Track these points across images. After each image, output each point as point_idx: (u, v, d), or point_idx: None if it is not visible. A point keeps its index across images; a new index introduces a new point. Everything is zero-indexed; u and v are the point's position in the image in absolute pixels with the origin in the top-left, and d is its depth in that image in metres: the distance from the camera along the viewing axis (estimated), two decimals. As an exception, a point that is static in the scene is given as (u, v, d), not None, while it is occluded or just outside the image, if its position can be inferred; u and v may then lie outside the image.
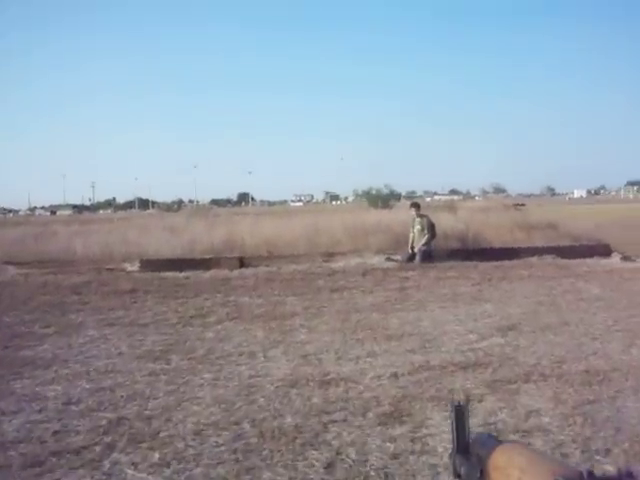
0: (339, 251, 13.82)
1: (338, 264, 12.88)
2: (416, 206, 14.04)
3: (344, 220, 18.83)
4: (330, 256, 13.40)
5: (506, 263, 12.46)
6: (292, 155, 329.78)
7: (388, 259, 13.25)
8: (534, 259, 13.01)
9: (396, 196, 47.58)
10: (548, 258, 13.12)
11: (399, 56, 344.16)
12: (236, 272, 12.60)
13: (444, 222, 16.33)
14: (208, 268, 12.86)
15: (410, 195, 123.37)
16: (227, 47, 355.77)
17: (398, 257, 13.31)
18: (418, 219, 13.54)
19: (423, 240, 13.33)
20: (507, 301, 8.71)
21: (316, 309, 8.49)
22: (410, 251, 13.27)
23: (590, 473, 0.77)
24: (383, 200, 38.14)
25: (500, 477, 0.92)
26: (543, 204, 63.85)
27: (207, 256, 13.78)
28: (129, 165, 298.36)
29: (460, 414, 1.03)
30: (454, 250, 13.91)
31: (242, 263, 13.13)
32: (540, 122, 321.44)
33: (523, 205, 45.65)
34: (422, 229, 13.46)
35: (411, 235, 13.52)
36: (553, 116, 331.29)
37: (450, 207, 28.13)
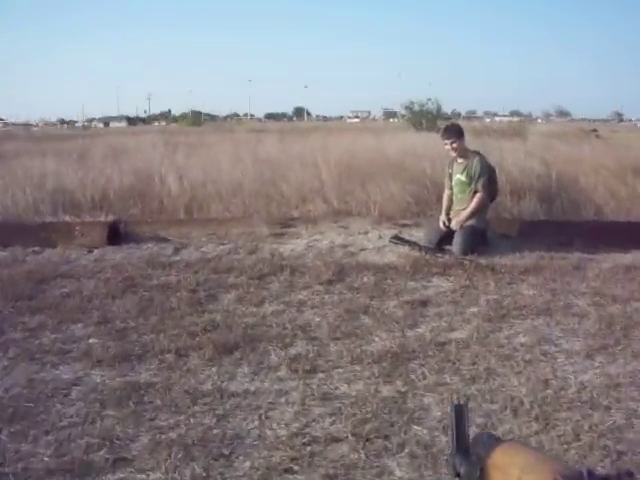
0: (313, 212, 7.49)
1: (296, 245, 6.61)
2: (454, 134, 6.60)
3: (357, 146, 12.41)
4: (289, 222, 7.09)
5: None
6: (350, 69, 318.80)
7: (396, 239, 6.47)
8: None
9: (448, 116, 39.29)
10: None
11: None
12: (91, 255, 6.50)
13: (511, 159, 9.75)
14: (53, 241, 6.76)
15: (470, 115, 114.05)
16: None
17: (417, 237, 6.59)
18: (460, 162, 6.54)
19: (471, 206, 6.39)
20: None
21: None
22: (443, 226, 6.43)
23: (590, 473, 0.79)
24: (429, 119, 30.10)
25: (500, 477, 0.92)
26: (617, 130, 55.78)
27: (56, 219, 7.58)
28: (184, 77, 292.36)
29: (460, 414, 1.03)
30: (533, 223, 6.96)
31: (115, 233, 6.91)
32: (604, 42, 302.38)
33: (596, 131, 39.16)
34: (468, 182, 6.44)
35: (446, 195, 6.71)
36: (617, 36, 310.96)
37: (517, 131, 21.03)
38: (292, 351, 4.04)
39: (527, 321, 4.46)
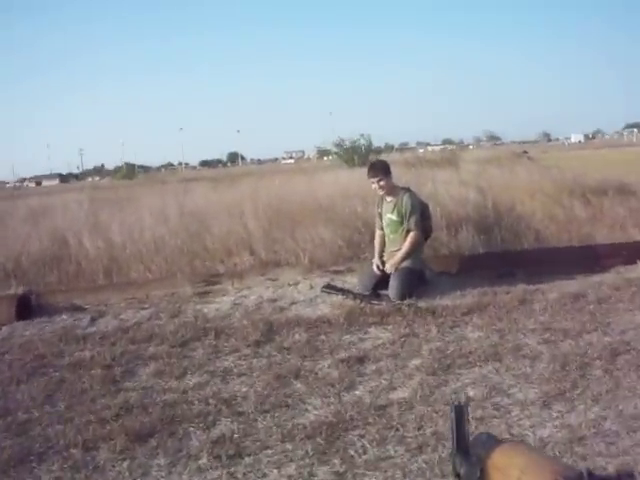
0: (239, 265, 6.99)
1: (222, 303, 6.05)
2: (380, 171, 6.10)
3: (287, 189, 12.02)
4: (214, 279, 6.59)
5: (596, 285, 5.73)
6: (281, 112, 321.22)
7: (328, 288, 5.98)
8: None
9: (380, 149, 39.13)
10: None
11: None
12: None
13: (445, 190, 9.51)
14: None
15: (403, 147, 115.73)
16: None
17: (351, 284, 6.13)
18: (390, 200, 6.10)
19: (405, 247, 5.94)
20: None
21: None
22: (377, 270, 5.99)
23: (590, 473, 0.88)
24: (360, 155, 29.80)
25: (500, 477, 0.96)
26: (546, 150, 57.17)
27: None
28: (116, 130, 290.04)
29: (460, 414, 1.10)
30: (473, 257, 6.65)
31: (25, 307, 6.27)
32: (531, 66, 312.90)
33: (526, 153, 40.02)
34: (400, 221, 6.00)
35: (378, 236, 6.27)
36: (544, 59, 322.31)
37: (450, 160, 21.00)
38: (215, 432, 3.55)
39: (475, 370, 4.07)
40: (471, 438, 1.12)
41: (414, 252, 5.96)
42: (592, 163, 22.14)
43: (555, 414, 3.39)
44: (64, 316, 6.15)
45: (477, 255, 6.64)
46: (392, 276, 5.78)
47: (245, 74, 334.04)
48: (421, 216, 6.03)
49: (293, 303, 5.84)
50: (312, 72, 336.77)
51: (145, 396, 4.14)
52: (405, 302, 5.46)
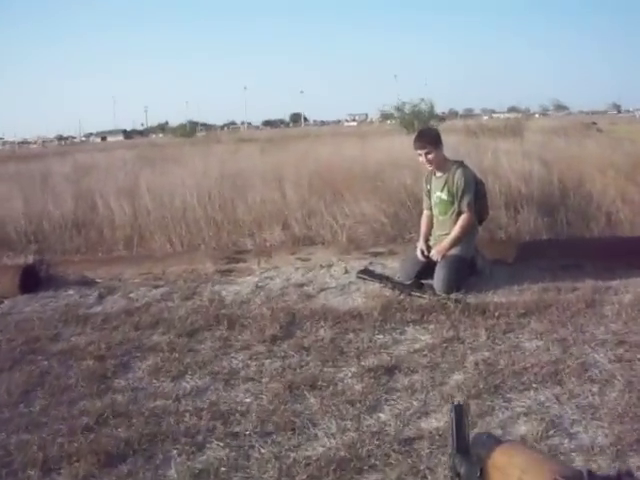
0: (269, 241, 6.26)
1: (243, 285, 5.30)
2: (428, 141, 5.16)
3: (338, 155, 11.22)
4: (239, 256, 5.85)
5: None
6: (346, 72, 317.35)
7: (365, 274, 5.21)
8: None
9: (443, 115, 37.51)
10: None
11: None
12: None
13: (507, 162, 8.56)
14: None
15: (468, 113, 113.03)
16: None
17: (392, 270, 5.30)
18: (439, 176, 5.19)
19: (455, 231, 5.05)
20: None
21: None
22: (422, 256, 5.14)
23: (590, 473, 0.79)
24: (421, 120, 28.25)
25: (500, 477, 0.91)
26: (615, 122, 54.43)
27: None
28: (181, 88, 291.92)
29: (460, 414, 1.01)
30: (534, 243, 5.70)
31: (31, 278, 5.68)
32: (601, 34, 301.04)
33: (595, 124, 37.93)
34: (450, 201, 5.09)
35: (425, 216, 5.38)
36: (614, 26, 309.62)
37: (514, 129, 19.68)
38: (201, 459, 2.90)
39: (529, 394, 3.28)
40: (471, 438, 1.00)
41: (465, 237, 5.06)
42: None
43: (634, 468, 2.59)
44: (71, 291, 5.57)
45: (539, 242, 5.75)
46: (438, 264, 4.93)
47: (311, 34, 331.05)
48: (475, 196, 5.10)
49: (323, 290, 5.09)
50: (377, 33, 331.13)
51: (132, 400, 3.51)
52: (451, 296, 4.63)
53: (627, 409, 3.05)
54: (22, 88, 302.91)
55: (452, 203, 5.08)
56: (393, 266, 5.41)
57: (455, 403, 1.03)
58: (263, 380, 3.64)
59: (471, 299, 4.66)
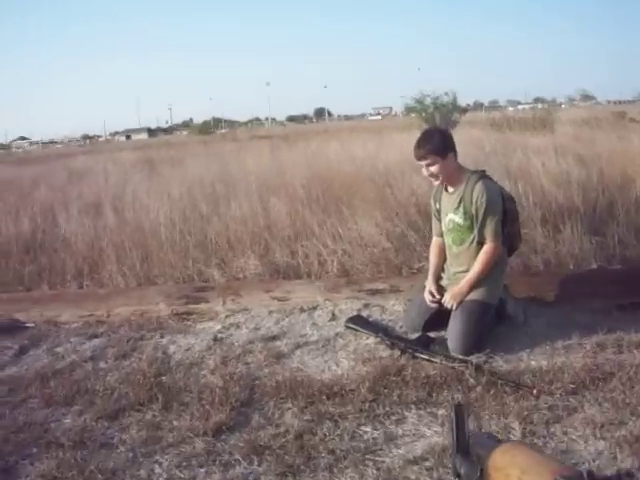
0: (243, 271, 4.99)
1: (199, 337, 4.02)
2: (432, 148, 3.67)
3: (349, 154, 10.00)
4: (200, 295, 4.58)
5: None
6: (369, 66, 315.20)
7: (355, 324, 3.88)
8: None
9: (466, 108, 35.66)
10: None
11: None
12: None
13: (539, 163, 7.24)
14: None
15: (493, 104, 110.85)
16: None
17: (394, 315, 4.01)
18: (452, 191, 3.77)
19: (475, 271, 3.61)
20: None
21: None
22: (431, 299, 3.75)
23: (590, 473, 0.80)
24: (444, 114, 26.49)
25: (500, 477, 0.91)
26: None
27: None
28: (205, 85, 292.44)
29: (460, 415, 1.05)
30: (582, 275, 4.26)
31: None
32: (629, 19, 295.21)
33: (625, 114, 36.00)
34: (468, 226, 3.66)
35: (435, 244, 3.96)
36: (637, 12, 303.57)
37: (543, 121, 18.08)
38: None
39: None
40: (471, 438, 1.00)
41: (490, 276, 3.69)
42: None
43: None
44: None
45: (589, 272, 4.43)
46: (453, 314, 3.62)
47: (335, 29, 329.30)
48: (503, 217, 3.70)
49: (299, 346, 3.82)
50: (403, 27, 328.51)
51: None
52: (471, 360, 3.36)
53: None
54: (48, 89, 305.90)
55: (470, 229, 3.70)
56: (395, 310, 4.14)
57: (455, 403, 1.04)
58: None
59: (498, 363, 3.39)
